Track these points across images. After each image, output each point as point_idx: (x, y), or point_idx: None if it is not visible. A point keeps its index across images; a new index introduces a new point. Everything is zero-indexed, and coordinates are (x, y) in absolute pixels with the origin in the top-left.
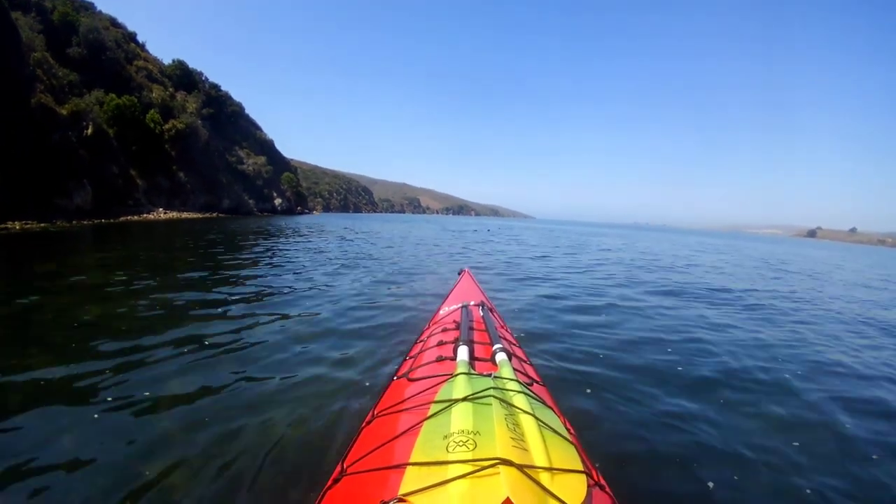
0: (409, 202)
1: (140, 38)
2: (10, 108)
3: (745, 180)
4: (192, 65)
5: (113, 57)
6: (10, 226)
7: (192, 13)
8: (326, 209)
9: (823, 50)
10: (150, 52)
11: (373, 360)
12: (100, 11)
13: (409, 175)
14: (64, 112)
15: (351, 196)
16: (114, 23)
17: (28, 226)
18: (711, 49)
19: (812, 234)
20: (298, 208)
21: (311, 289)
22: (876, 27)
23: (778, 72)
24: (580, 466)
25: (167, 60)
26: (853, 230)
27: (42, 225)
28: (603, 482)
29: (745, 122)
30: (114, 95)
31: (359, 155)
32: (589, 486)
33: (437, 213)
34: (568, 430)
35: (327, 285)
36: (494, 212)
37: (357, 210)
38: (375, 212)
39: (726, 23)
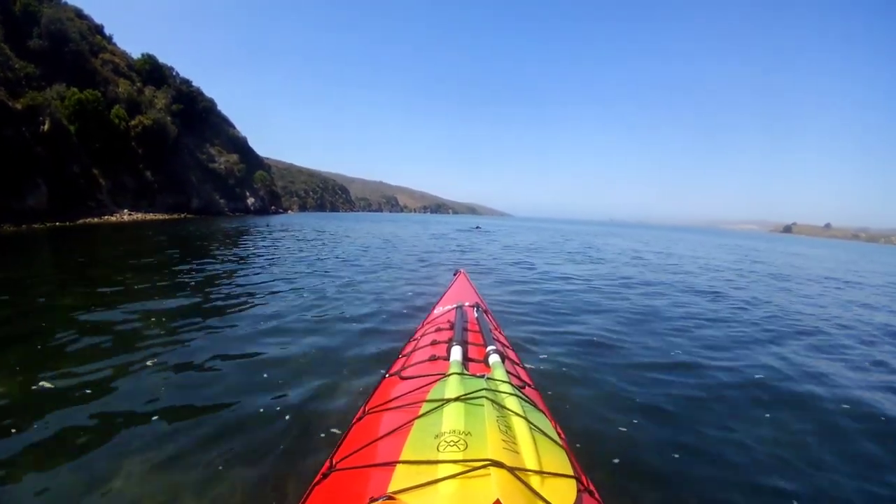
0: (387, 201)
1: (107, 31)
2: None
3: (721, 175)
4: (163, 60)
5: (76, 49)
6: None
7: (166, 11)
8: (303, 208)
9: (801, 51)
10: (119, 45)
11: (363, 357)
12: (65, 3)
13: (386, 174)
14: (18, 106)
15: (328, 195)
16: (79, 14)
17: None
18: (689, 51)
19: (788, 229)
20: (273, 208)
21: (294, 288)
22: (854, 28)
23: (754, 73)
24: (570, 471)
25: (136, 55)
26: (828, 226)
27: None
28: (592, 488)
29: (721, 119)
30: (76, 89)
31: (335, 154)
32: (578, 490)
33: (415, 211)
34: (559, 434)
35: (313, 286)
36: (472, 210)
37: (334, 209)
38: (353, 210)
39: (706, 25)
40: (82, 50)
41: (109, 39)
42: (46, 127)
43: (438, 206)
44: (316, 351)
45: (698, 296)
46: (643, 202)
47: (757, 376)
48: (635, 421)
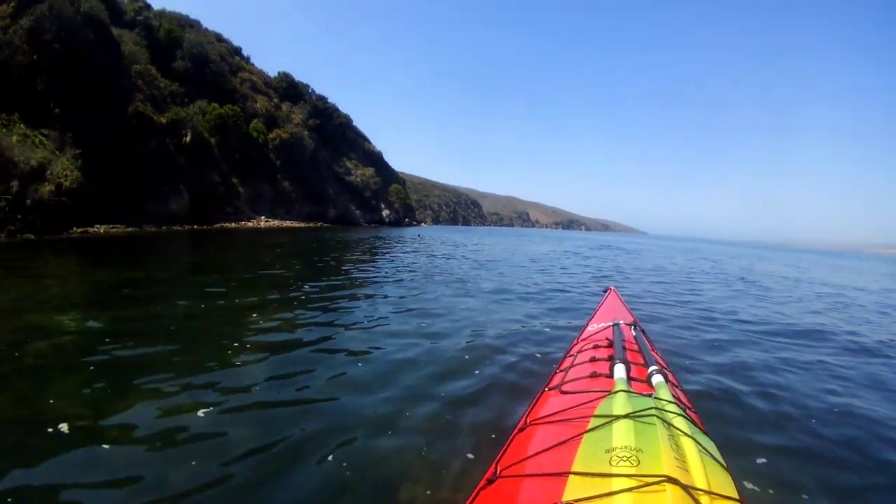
0: (518, 216)
1: (245, 52)
2: (106, 116)
3: (860, 195)
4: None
5: (217, 69)
6: (94, 229)
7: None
8: (436, 221)
9: None
10: (257, 65)
11: (515, 369)
12: (206, 29)
13: (518, 189)
14: (163, 120)
15: (460, 209)
16: (219, 38)
17: (114, 230)
18: (817, 55)
19: None
20: (406, 220)
21: (431, 298)
22: None
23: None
24: (736, 495)
25: (273, 73)
26: None
27: (129, 229)
28: None
29: (868, 136)
30: (216, 105)
31: (468, 169)
32: None
33: (546, 227)
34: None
35: (452, 295)
36: (605, 226)
37: (466, 223)
38: (484, 225)
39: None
40: (222, 70)
41: (247, 60)
42: (188, 139)
43: (570, 222)
44: (466, 360)
45: None
46: (779, 223)
47: None
48: None
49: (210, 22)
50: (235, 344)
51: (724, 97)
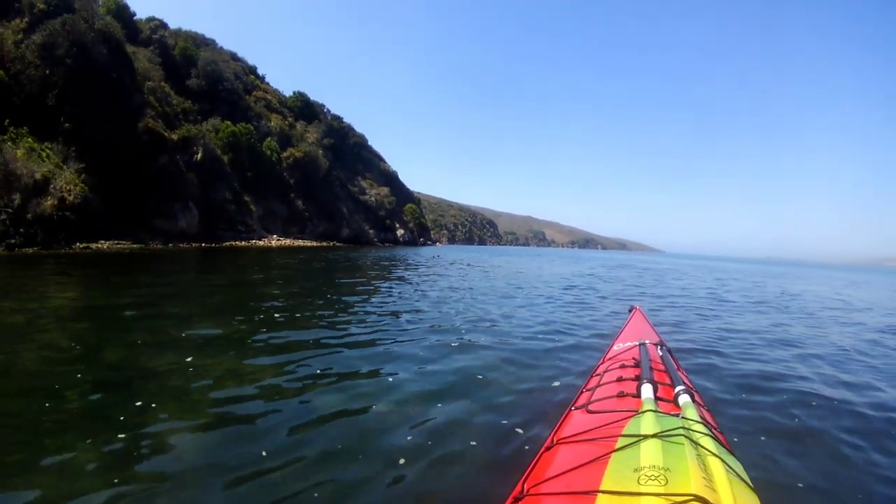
0: (535, 235)
1: (260, 72)
2: (116, 132)
3: (869, 209)
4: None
5: (230, 87)
6: (97, 245)
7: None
8: (451, 241)
9: None
10: (272, 84)
11: (537, 387)
12: (221, 47)
13: (534, 209)
14: (174, 137)
15: (476, 228)
16: (234, 57)
17: (118, 246)
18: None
19: None
20: (421, 239)
21: (451, 319)
22: None
23: None
24: None
25: (288, 93)
26: None
27: (134, 246)
28: None
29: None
30: (229, 123)
31: (485, 189)
32: None
33: (562, 246)
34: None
35: (472, 316)
36: (622, 245)
37: (482, 242)
38: (500, 244)
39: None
40: (236, 88)
41: (262, 79)
42: (199, 156)
43: (587, 241)
44: (489, 381)
45: None
46: (790, 239)
47: None
48: None
49: (226, 41)
50: (160, 396)
51: (735, 104)
